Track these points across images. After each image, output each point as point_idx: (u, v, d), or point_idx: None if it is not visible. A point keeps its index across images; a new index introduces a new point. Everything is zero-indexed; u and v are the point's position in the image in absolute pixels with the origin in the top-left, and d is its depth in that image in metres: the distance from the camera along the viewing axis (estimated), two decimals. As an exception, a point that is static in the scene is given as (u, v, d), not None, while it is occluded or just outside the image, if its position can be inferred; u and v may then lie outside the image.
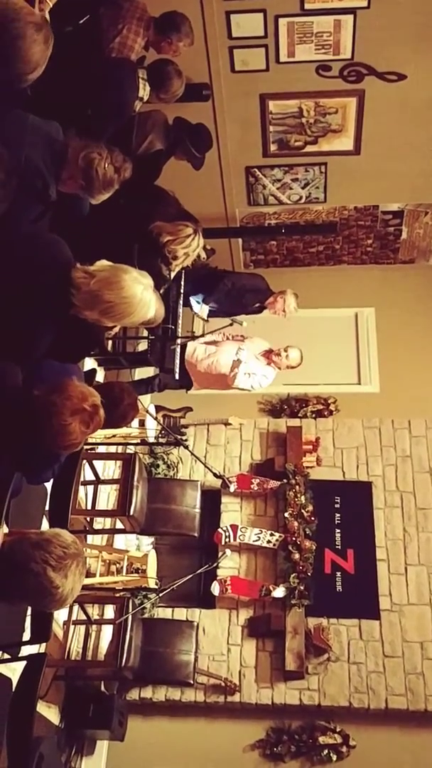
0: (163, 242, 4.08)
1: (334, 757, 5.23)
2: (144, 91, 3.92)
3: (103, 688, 5.22)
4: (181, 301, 5.34)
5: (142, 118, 4.38)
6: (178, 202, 4.53)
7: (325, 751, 5.24)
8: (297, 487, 5.93)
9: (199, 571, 4.78)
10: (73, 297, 2.59)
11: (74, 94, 3.43)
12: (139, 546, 5.57)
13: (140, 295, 2.63)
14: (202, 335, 5.80)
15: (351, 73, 5.71)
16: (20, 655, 3.48)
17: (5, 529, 2.27)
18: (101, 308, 2.59)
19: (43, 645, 3.72)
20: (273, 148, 6.26)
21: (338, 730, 5.30)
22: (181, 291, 5.42)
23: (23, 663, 3.45)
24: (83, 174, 2.89)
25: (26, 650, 3.51)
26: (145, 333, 5.50)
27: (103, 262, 2.67)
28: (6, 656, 3.41)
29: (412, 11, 5.25)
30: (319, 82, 5.76)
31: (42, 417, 2.40)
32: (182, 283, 5.50)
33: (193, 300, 5.79)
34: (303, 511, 5.84)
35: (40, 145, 2.88)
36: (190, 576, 4.77)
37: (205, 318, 5.80)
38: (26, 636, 3.48)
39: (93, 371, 4.10)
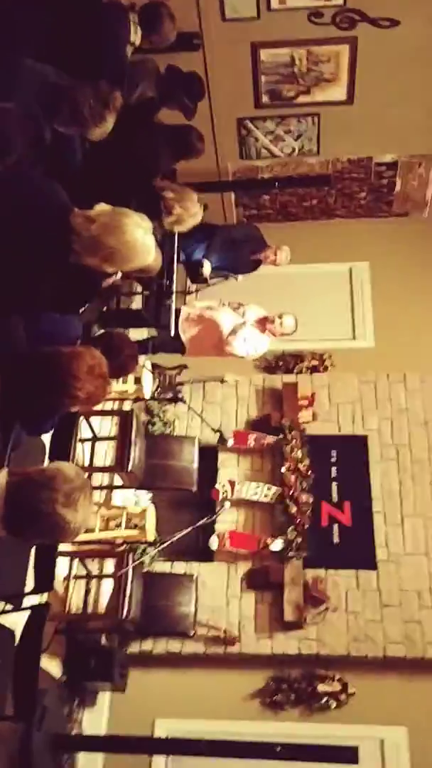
0: (164, 196, 4.03)
1: (333, 705, 5.32)
2: (136, 35, 3.82)
3: (104, 641, 5.27)
4: (176, 257, 5.28)
5: (133, 65, 4.27)
6: (163, 127, 4.45)
7: (325, 699, 5.32)
8: (293, 442, 5.94)
9: (198, 523, 4.81)
10: (73, 243, 2.55)
11: (68, 39, 3.34)
12: (138, 501, 5.59)
13: (141, 239, 2.59)
14: (197, 291, 5.75)
15: (343, 19, 5.60)
16: (23, 606, 3.51)
17: (4, 473, 2.26)
18: (103, 254, 2.56)
19: (45, 595, 3.74)
20: (265, 98, 6.15)
21: (337, 678, 5.38)
22: (175, 246, 5.36)
23: (24, 615, 3.48)
24: (73, 118, 2.84)
25: (28, 602, 3.53)
26: (140, 289, 5.46)
27: (103, 206, 2.62)
28: (9, 607, 3.43)
29: None
30: (311, 30, 5.64)
31: (58, 364, 2.41)
32: (176, 239, 5.45)
33: (196, 256, 5.71)
34: (299, 465, 5.86)
35: (33, 89, 2.82)
36: (190, 529, 4.81)
37: (208, 276, 5.74)
38: (28, 588, 3.50)
39: (89, 323, 4.06)
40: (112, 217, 2.57)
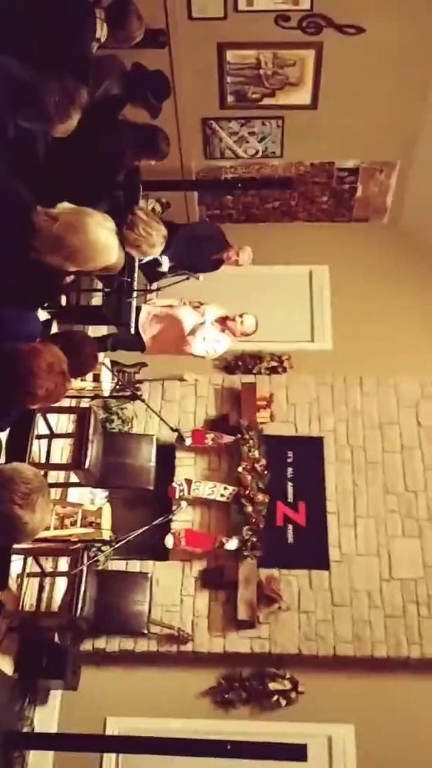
0: (135, 212, 4.06)
1: (284, 703, 5.39)
2: (101, 31, 3.80)
3: (56, 639, 5.24)
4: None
5: (98, 62, 4.25)
6: (131, 123, 4.45)
7: (275, 697, 5.39)
8: (250, 442, 5.98)
9: (153, 523, 4.80)
10: (34, 240, 2.53)
11: (33, 32, 3.31)
12: (94, 500, 5.57)
13: (104, 239, 2.59)
14: (158, 289, 5.74)
15: (310, 24, 5.65)
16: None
17: None
18: (64, 252, 2.55)
19: (-1, 594, 3.71)
20: (230, 99, 6.18)
21: (288, 676, 5.45)
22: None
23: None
24: (38, 113, 2.81)
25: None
26: (100, 286, 5.42)
27: (66, 205, 2.61)
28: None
29: (372, -38, 5.21)
30: (277, 33, 5.68)
31: (17, 361, 2.40)
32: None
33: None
34: (256, 465, 5.90)
35: (-5, 81, 2.78)
36: (145, 528, 4.80)
37: (167, 270, 5.73)
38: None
39: (49, 321, 4.04)
40: (75, 216, 2.56)
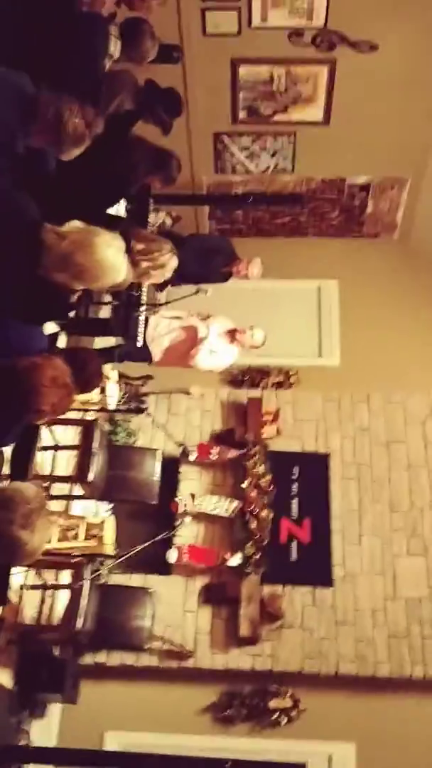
0: (131, 248, 3.99)
1: (284, 721, 5.34)
2: (115, 47, 3.81)
3: (56, 652, 5.22)
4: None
5: (111, 77, 4.25)
6: (149, 143, 4.43)
7: (276, 715, 5.35)
8: (256, 457, 5.96)
9: (156, 539, 4.79)
10: (42, 258, 2.53)
11: (45, 48, 3.32)
12: (97, 512, 5.55)
13: (112, 258, 2.58)
14: (167, 303, 5.74)
15: (323, 41, 5.67)
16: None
17: None
18: (72, 271, 2.54)
19: None
20: (242, 115, 6.19)
21: (289, 694, 5.41)
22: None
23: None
24: (53, 128, 2.81)
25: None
26: (109, 299, 5.43)
27: (75, 223, 2.61)
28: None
29: (387, -19, 5.22)
30: (291, 49, 5.70)
31: (20, 376, 2.39)
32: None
33: None
34: (261, 481, 5.88)
35: (8, 97, 2.79)
36: (147, 544, 4.79)
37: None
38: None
39: (55, 335, 4.04)
40: (83, 235, 2.56)
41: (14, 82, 2.86)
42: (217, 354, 5.73)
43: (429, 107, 6.04)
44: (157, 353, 5.72)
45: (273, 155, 6.51)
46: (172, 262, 4.38)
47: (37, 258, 2.56)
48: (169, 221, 6.48)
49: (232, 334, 5.79)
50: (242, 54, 5.77)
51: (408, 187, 6.80)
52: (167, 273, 4.38)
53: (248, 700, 5.42)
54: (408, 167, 6.62)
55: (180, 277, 5.70)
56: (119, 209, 5.21)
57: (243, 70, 5.87)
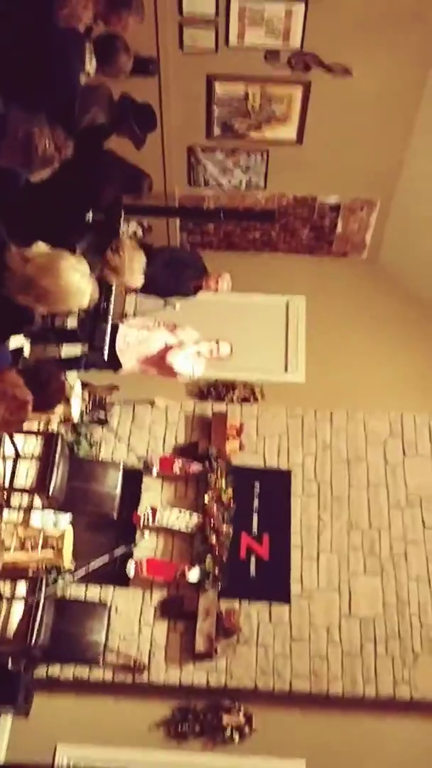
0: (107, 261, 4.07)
1: (237, 737, 5.36)
2: (90, 64, 3.80)
3: (9, 664, 5.17)
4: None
5: (86, 89, 4.24)
6: (122, 161, 4.45)
7: (228, 731, 5.36)
8: (218, 471, 5.98)
9: (116, 553, 4.77)
10: (6, 279, 2.52)
11: (20, 63, 3.30)
12: (57, 523, 5.50)
13: (77, 283, 2.58)
14: (134, 315, 5.74)
15: (299, 62, 5.70)
16: None
17: None
18: (36, 293, 2.53)
19: None
20: (217, 130, 6.22)
21: (242, 710, 5.42)
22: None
23: None
24: (22, 149, 2.80)
25: None
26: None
27: (41, 246, 2.59)
28: None
29: (363, 8, 5.28)
30: (266, 69, 5.74)
31: None
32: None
33: None
34: (223, 495, 5.89)
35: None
36: (106, 557, 4.77)
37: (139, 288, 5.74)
38: None
39: (20, 350, 4.01)
40: (48, 259, 2.55)
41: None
42: (190, 359, 5.74)
43: (400, 132, 6.13)
44: (127, 363, 5.70)
45: (245, 171, 6.54)
46: (138, 275, 4.41)
47: (1, 279, 2.54)
48: (140, 231, 6.47)
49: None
50: (218, 71, 5.80)
51: (377, 209, 6.88)
52: (130, 281, 4.42)
53: (202, 716, 5.42)
54: (378, 190, 6.71)
55: (149, 289, 5.72)
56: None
57: (219, 87, 5.90)
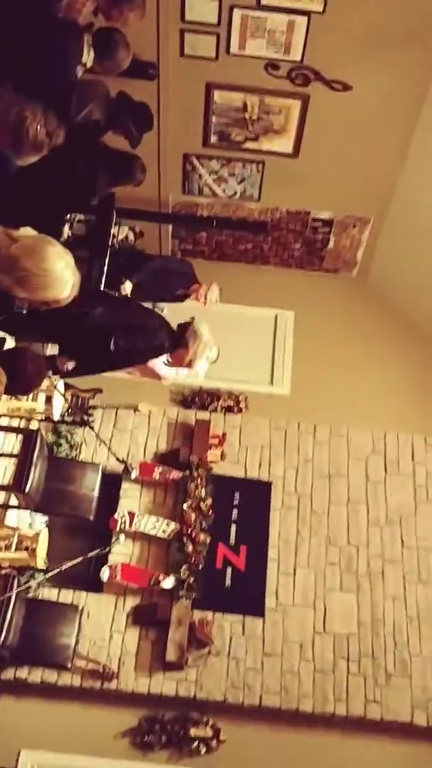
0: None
1: (203, 750, 5.27)
2: (88, 56, 3.79)
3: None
4: (103, 281, 5.24)
5: (83, 85, 4.25)
6: (111, 148, 4.46)
7: (195, 744, 5.27)
8: (198, 479, 5.93)
9: (89, 555, 4.70)
10: (-11, 258, 2.48)
11: (15, 49, 3.28)
12: (32, 524, 5.44)
13: (60, 271, 2.53)
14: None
15: (299, 76, 5.73)
16: None
17: None
18: (17, 275, 2.49)
19: None
20: (213, 139, 6.22)
21: (210, 723, 5.33)
22: (104, 271, 5.32)
23: None
24: (13, 130, 2.77)
25: None
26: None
27: (28, 230, 2.55)
28: None
29: (365, 24, 5.31)
30: (266, 80, 5.75)
31: None
32: (106, 262, 5.41)
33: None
34: (201, 504, 5.84)
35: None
36: (80, 560, 4.69)
37: (128, 294, 5.70)
38: None
39: (2, 340, 3.96)
40: (35, 242, 2.51)
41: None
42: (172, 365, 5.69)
43: (396, 152, 6.16)
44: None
45: (241, 182, 6.55)
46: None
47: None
48: (132, 236, 6.46)
49: None
50: (218, 79, 5.81)
51: (370, 227, 6.90)
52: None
53: (169, 727, 5.33)
54: (371, 208, 6.73)
55: (137, 294, 5.70)
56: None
57: (217, 95, 5.91)
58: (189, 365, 5.49)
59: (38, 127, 2.74)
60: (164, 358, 5.51)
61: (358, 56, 5.54)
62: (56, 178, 3.61)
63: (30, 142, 2.76)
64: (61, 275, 2.53)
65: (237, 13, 5.34)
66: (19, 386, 3.29)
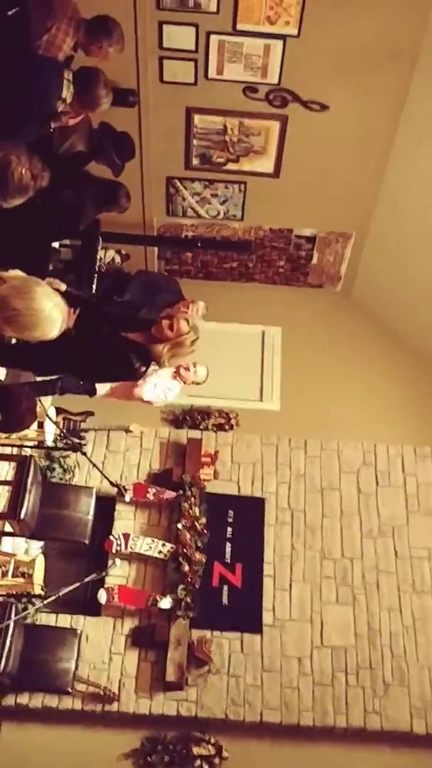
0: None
1: (207, 768, 5.29)
2: (68, 91, 3.85)
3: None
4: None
5: (65, 118, 4.31)
6: (95, 177, 4.52)
7: (198, 762, 5.29)
8: (192, 499, 5.97)
9: (86, 580, 4.71)
10: (-22, 299, 2.53)
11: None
12: (28, 550, 5.47)
13: (48, 311, 2.58)
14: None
15: (276, 98, 5.83)
16: None
17: None
18: (6, 315, 2.54)
19: None
20: (195, 161, 6.32)
21: (212, 741, 5.36)
22: (93, 293, 5.39)
23: None
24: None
25: None
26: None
27: (18, 272, 2.61)
28: None
29: (339, 46, 5.42)
30: (245, 103, 5.85)
31: None
32: (94, 286, 5.49)
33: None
34: (196, 523, 5.88)
35: None
36: (77, 585, 4.70)
37: None
38: None
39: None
40: (24, 282, 2.57)
41: None
42: (161, 387, 5.74)
43: (374, 168, 6.26)
44: (101, 388, 5.70)
45: (223, 202, 6.64)
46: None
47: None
48: (118, 259, 6.53)
49: (176, 369, 5.82)
50: (197, 103, 5.90)
51: (352, 242, 7.00)
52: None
53: (171, 747, 5.35)
54: (353, 223, 6.83)
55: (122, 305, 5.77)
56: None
57: (198, 119, 6.00)
58: (177, 373, 5.57)
59: (23, 171, 2.79)
60: (152, 382, 5.58)
61: (333, 77, 5.65)
62: (42, 209, 3.66)
63: (15, 186, 2.81)
64: (49, 315, 2.59)
65: (214, 39, 5.44)
66: (13, 424, 3.34)
